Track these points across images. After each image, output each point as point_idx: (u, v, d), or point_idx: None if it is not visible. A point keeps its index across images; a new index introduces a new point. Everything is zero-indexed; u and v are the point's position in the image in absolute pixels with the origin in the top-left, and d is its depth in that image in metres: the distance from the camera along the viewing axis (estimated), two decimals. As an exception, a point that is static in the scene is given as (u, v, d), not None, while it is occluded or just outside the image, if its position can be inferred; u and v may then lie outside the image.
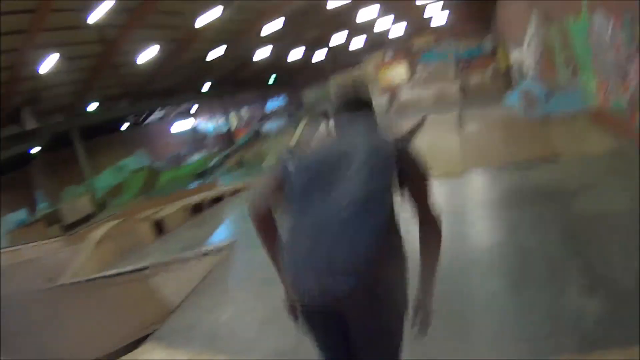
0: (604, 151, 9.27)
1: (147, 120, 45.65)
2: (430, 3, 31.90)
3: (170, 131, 47.98)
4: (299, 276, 1.88)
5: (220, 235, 11.93)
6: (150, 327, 6.59)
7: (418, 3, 31.40)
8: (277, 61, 38.79)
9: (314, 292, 1.84)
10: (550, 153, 10.24)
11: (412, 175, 2.12)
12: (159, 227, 14.09)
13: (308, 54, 39.97)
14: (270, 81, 43.82)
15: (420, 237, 2.19)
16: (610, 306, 3.82)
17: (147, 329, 6.51)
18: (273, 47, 32.64)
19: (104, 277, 8.35)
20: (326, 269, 1.77)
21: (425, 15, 36.71)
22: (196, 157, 39.74)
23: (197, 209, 16.34)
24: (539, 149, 10.77)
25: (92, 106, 28.06)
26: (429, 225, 2.15)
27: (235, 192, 18.02)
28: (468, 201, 8.49)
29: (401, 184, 2.12)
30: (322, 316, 2.12)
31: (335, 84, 40.99)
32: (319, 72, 44.12)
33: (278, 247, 2.04)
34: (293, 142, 26.26)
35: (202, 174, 29.29)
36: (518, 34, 21.34)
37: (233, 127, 47.49)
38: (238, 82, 40.47)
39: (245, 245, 9.26)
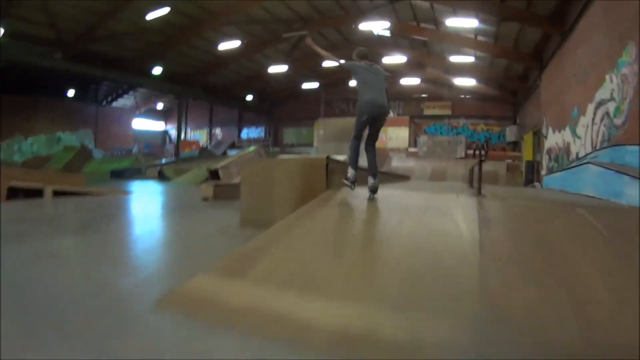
0: None
1: (113, 103, 40.33)
2: (460, 63, 25.16)
3: (130, 123, 42.14)
4: (372, 100, 6.15)
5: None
6: None
7: (453, 59, 24.61)
8: (257, 75, 32.34)
9: (376, 108, 6.19)
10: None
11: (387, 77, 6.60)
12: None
13: (296, 77, 33.28)
14: (248, 98, 36.69)
15: None
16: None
17: None
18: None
19: None
20: (380, 100, 6.24)
21: (449, 81, 30.06)
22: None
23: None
24: None
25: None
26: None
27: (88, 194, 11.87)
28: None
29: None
30: (373, 114, 6.18)
31: (322, 128, 36.84)
32: (306, 107, 37.40)
33: None
34: (220, 164, 19.28)
35: (120, 173, 25.05)
36: (567, 112, 15.15)
37: (202, 143, 42.66)
38: (210, 88, 33.64)
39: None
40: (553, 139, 17.42)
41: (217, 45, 24.82)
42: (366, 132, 6.42)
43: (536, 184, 18.64)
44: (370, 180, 6.24)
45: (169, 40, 24.99)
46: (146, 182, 20.97)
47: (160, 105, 43.19)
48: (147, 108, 43.86)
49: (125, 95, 40.30)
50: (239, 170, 19.36)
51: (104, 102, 39.52)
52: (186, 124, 44.28)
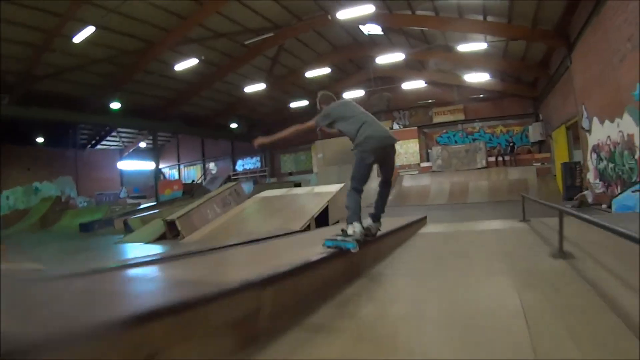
0: None
1: (97, 146, 38.49)
2: (469, 52, 21.13)
3: (115, 166, 39.49)
4: (373, 134, 4.63)
5: None
6: None
7: (461, 49, 20.53)
8: (239, 99, 28.81)
9: (384, 141, 4.71)
10: None
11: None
12: None
13: (282, 97, 29.73)
14: (233, 126, 32.98)
15: None
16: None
17: None
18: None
19: None
20: (381, 131, 4.81)
21: (458, 79, 26.17)
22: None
23: None
24: None
25: None
26: None
27: None
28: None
29: None
30: (381, 150, 4.68)
31: (321, 151, 32.85)
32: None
33: None
34: (178, 214, 15.32)
35: (90, 227, 21.57)
36: (622, 93, 11.29)
37: (197, 179, 40.43)
38: (190, 120, 30.12)
39: None
40: (601, 132, 13.38)
41: (174, 67, 21.06)
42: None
43: (586, 192, 14.49)
44: (368, 221, 4.97)
45: (123, 69, 21.56)
46: (101, 239, 17.57)
47: (142, 144, 39.86)
48: (134, 148, 40.92)
49: (108, 137, 38.22)
50: (207, 217, 15.65)
51: (89, 146, 37.45)
52: (179, 160, 43.31)
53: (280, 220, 13.22)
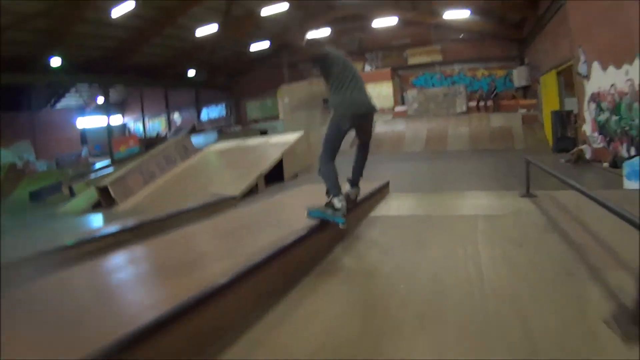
0: None
1: (56, 106, 35.90)
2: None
3: (75, 125, 36.61)
4: (355, 100, 4.31)
5: None
6: None
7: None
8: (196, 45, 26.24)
9: (361, 109, 4.38)
10: None
11: None
12: None
13: (244, 40, 27.38)
14: (190, 74, 30.66)
15: None
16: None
17: None
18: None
19: None
20: (364, 98, 4.41)
21: (436, 15, 23.96)
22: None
23: None
24: None
25: None
26: None
27: None
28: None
29: None
30: (359, 117, 4.39)
31: (286, 95, 30.65)
32: (269, 75, 31.02)
33: None
34: (111, 178, 13.41)
35: (40, 195, 19.93)
36: (632, 34, 9.39)
37: (161, 131, 38.52)
38: (144, 70, 27.60)
39: None
40: (604, 79, 11.54)
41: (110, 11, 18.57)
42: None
43: (583, 146, 12.79)
44: (347, 187, 4.64)
45: (60, 21, 19.11)
46: (45, 210, 15.55)
47: (100, 100, 37.04)
48: (96, 104, 38.59)
49: (68, 95, 35.81)
50: (146, 179, 13.73)
51: (48, 105, 34.95)
52: (143, 113, 40.99)
53: (222, 181, 11.48)
